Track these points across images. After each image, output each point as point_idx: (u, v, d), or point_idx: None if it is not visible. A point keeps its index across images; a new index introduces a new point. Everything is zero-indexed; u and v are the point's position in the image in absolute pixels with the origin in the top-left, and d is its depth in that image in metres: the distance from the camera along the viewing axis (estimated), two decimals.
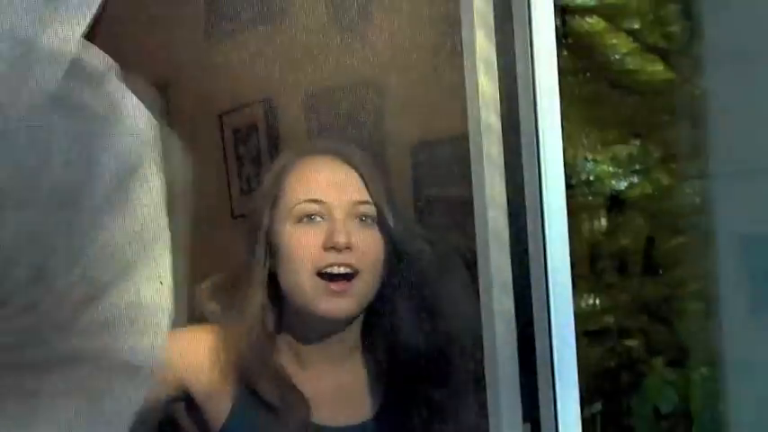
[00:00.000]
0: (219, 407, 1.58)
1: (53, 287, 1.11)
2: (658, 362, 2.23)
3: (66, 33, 1.14)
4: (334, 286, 1.56)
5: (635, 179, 2.64)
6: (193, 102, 2.48)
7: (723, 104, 2.29)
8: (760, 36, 2.21)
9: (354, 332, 1.63)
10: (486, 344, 1.48)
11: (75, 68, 1.12)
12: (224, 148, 2.47)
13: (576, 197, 2.51)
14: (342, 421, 1.60)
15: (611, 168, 2.64)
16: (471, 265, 1.60)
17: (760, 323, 2.13)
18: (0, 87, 1.08)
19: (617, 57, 2.70)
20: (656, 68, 2.64)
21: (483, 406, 1.50)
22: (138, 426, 1.24)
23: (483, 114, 1.49)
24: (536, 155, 1.46)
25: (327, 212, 1.58)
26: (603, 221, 2.66)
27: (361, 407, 1.62)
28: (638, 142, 2.65)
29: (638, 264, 2.48)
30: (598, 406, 2.03)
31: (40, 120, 1.10)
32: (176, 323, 1.68)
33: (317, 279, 1.56)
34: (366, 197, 1.61)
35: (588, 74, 2.67)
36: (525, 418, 1.46)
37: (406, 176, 2.15)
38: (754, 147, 2.22)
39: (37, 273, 1.12)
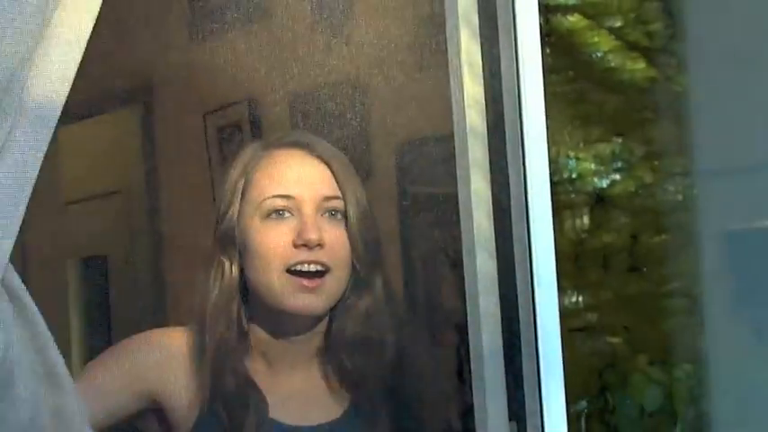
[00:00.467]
0: (187, 413, 1.54)
1: None
2: (642, 359, 2.24)
3: None
4: (306, 282, 1.53)
5: (618, 177, 2.66)
6: (178, 102, 2.48)
7: (705, 102, 2.31)
8: (742, 34, 2.22)
9: (321, 330, 1.60)
10: (471, 342, 1.49)
11: None
12: (208, 148, 2.47)
13: (559, 195, 2.52)
14: (310, 420, 1.58)
15: (593, 166, 2.66)
16: (456, 263, 1.60)
17: (743, 320, 2.15)
18: None
19: (599, 55, 2.71)
20: (638, 66, 2.65)
21: (466, 404, 1.51)
22: None
23: (468, 115, 1.50)
24: (521, 155, 1.47)
25: (296, 208, 1.54)
26: (586, 219, 2.67)
27: (329, 407, 1.60)
28: (620, 140, 2.67)
29: (621, 261, 2.50)
30: (583, 404, 2.05)
31: None
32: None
33: (287, 276, 1.52)
34: (336, 192, 1.57)
35: (570, 72, 2.68)
36: (511, 417, 1.46)
37: (390, 176, 2.15)
38: (735, 144, 2.24)
39: None
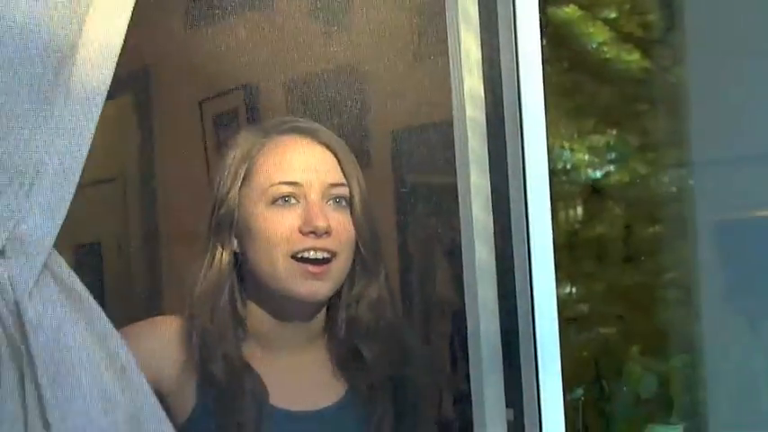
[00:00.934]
0: (185, 400, 1.53)
1: None
2: (635, 350, 2.26)
3: None
4: (311, 269, 1.53)
5: (612, 168, 2.67)
6: (174, 88, 2.47)
7: (700, 94, 2.31)
8: (737, 25, 2.23)
9: (320, 316, 1.61)
10: (469, 331, 1.50)
11: None
12: (204, 135, 2.47)
13: (554, 186, 2.53)
14: (308, 405, 1.58)
15: (588, 157, 2.67)
16: (454, 252, 1.61)
17: (736, 310, 2.16)
18: None
19: (594, 46, 2.72)
20: (633, 57, 2.66)
21: (465, 391, 1.52)
22: None
23: (467, 106, 1.50)
24: (520, 146, 1.47)
25: (302, 194, 1.54)
26: (580, 210, 2.68)
27: (327, 391, 1.60)
28: (614, 131, 2.68)
29: (615, 252, 2.51)
30: (579, 392, 2.06)
31: None
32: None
33: (293, 262, 1.51)
34: (341, 179, 1.57)
35: (565, 63, 2.69)
36: (508, 404, 1.47)
37: (387, 164, 2.15)
38: (730, 135, 2.25)
39: None
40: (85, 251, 2.68)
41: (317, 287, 1.53)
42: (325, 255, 1.53)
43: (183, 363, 1.54)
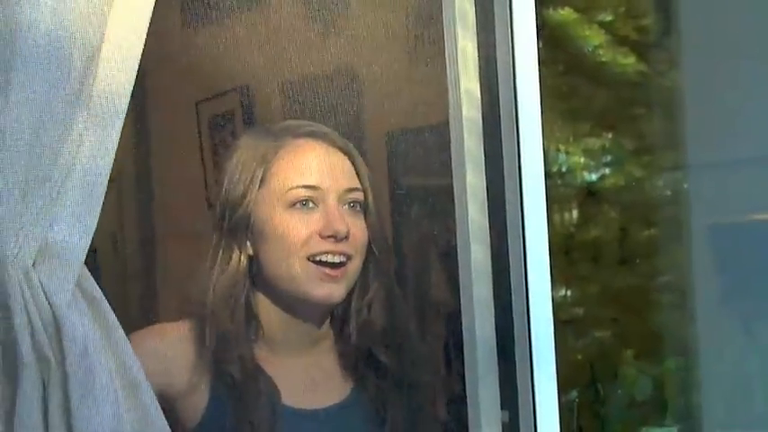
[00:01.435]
0: (195, 403, 1.54)
1: None
2: (629, 353, 2.26)
3: None
4: (329, 271, 1.54)
5: (607, 171, 2.67)
6: (170, 89, 2.47)
7: (695, 97, 2.32)
8: (732, 29, 2.24)
9: (325, 316, 1.62)
10: (465, 332, 1.50)
11: None
12: (200, 137, 2.47)
13: (549, 188, 2.53)
14: (317, 403, 1.59)
15: (583, 160, 2.67)
16: (450, 254, 1.62)
17: (731, 312, 2.16)
18: None
19: (589, 49, 2.72)
20: (628, 61, 2.67)
21: (461, 393, 1.52)
22: None
23: (463, 107, 1.50)
24: (516, 148, 1.47)
25: (321, 198, 1.56)
26: (575, 213, 2.68)
27: (334, 389, 1.62)
28: (610, 134, 2.68)
29: (610, 255, 2.51)
30: (574, 394, 2.06)
31: None
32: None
33: (311, 265, 1.54)
34: (357, 184, 1.60)
35: (561, 66, 2.69)
36: (503, 406, 1.48)
37: (383, 165, 2.16)
38: (725, 138, 2.26)
39: None
40: None
41: (333, 290, 1.55)
42: (342, 258, 1.55)
43: (194, 365, 1.55)
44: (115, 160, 1.25)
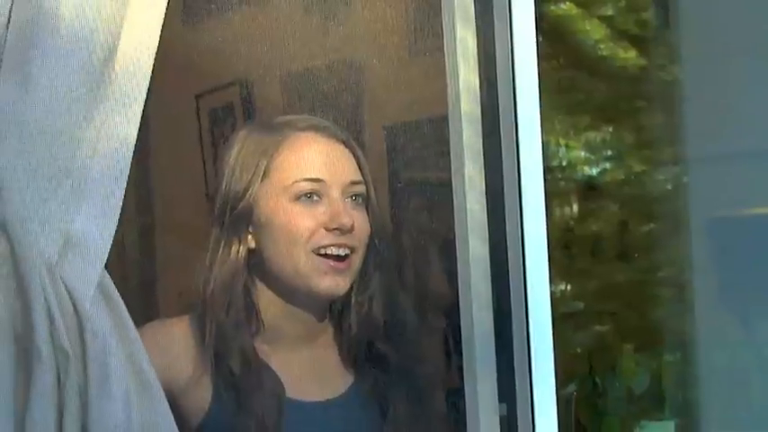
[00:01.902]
0: (200, 397, 1.55)
1: None
2: (629, 347, 2.26)
3: None
4: (333, 264, 1.55)
5: (607, 165, 2.67)
6: (170, 83, 2.46)
7: (695, 91, 2.32)
8: (733, 23, 2.24)
9: (325, 308, 1.63)
10: (463, 325, 1.50)
11: None
12: (200, 130, 2.47)
13: (549, 182, 2.53)
14: (318, 396, 1.60)
15: (583, 154, 2.67)
16: (449, 247, 1.62)
17: (730, 307, 2.16)
18: None
19: (590, 43, 2.72)
20: (629, 55, 2.66)
21: (460, 385, 1.52)
22: None
23: (462, 100, 1.50)
24: (515, 141, 1.48)
25: (325, 191, 1.57)
26: (575, 207, 2.68)
27: (335, 382, 1.62)
28: (610, 128, 2.68)
29: (609, 249, 2.51)
30: (572, 387, 2.06)
31: None
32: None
33: (316, 257, 1.55)
34: (359, 176, 1.61)
35: (561, 59, 2.69)
36: (501, 399, 1.48)
37: (382, 158, 2.16)
38: (725, 132, 2.25)
39: None
40: None
41: (338, 282, 1.56)
42: (347, 251, 1.56)
43: (196, 360, 1.55)
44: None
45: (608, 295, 2.42)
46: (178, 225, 2.15)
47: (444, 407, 1.72)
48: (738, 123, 2.22)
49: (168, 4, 2.36)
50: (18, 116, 1.14)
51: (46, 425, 1.16)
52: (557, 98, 2.58)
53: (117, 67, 1.20)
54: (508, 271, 1.50)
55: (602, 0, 2.77)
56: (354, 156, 1.62)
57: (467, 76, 1.52)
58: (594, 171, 2.67)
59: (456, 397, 1.57)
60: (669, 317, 2.32)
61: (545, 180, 1.49)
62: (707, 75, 2.30)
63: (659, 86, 2.54)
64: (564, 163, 2.67)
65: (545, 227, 1.48)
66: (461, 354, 1.50)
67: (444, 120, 1.55)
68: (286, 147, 1.59)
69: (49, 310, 1.15)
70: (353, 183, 1.60)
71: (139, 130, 2.63)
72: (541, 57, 1.48)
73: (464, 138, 1.51)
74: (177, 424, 1.33)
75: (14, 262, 1.15)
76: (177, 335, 1.58)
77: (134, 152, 2.68)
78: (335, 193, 1.57)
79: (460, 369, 1.51)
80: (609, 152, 2.66)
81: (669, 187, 2.52)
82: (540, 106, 1.49)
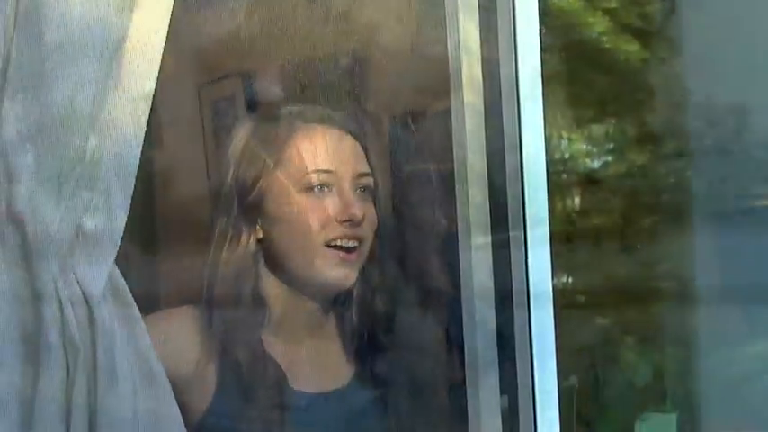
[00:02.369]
0: (203, 392, 1.55)
1: None
2: (630, 340, 2.26)
3: None
4: (343, 255, 1.56)
5: (610, 158, 2.67)
6: (172, 74, 2.46)
7: (698, 83, 2.32)
8: (736, 16, 2.23)
9: (330, 300, 1.64)
10: (465, 317, 1.50)
11: None
12: (203, 122, 2.47)
13: (551, 175, 2.53)
14: (323, 387, 1.61)
15: (586, 147, 2.67)
16: (451, 240, 1.62)
17: (732, 300, 2.16)
18: None
19: (593, 36, 2.72)
20: (632, 48, 2.66)
21: (461, 378, 1.52)
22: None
23: (466, 93, 1.50)
24: (518, 134, 1.48)
25: (335, 183, 1.58)
26: (578, 200, 2.68)
27: (339, 373, 1.63)
28: (613, 121, 2.68)
29: (611, 242, 2.51)
30: (574, 379, 2.06)
31: None
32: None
33: (326, 249, 1.55)
34: (367, 168, 1.62)
35: (564, 52, 2.69)
36: (503, 391, 1.48)
37: (385, 150, 2.16)
38: (729, 126, 2.26)
39: None
40: None
41: (348, 273, 1.57)
42: (356, 243, 1.56)
43: (202, 351, 1.56)
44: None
45: (610, 288, 2.42)
46: (179, 217, 2.15)
47: (446, 399, 1.72)
48: (742, 116, 2.22)
49: None
50: (30, 107, 1.14)
51: (54, 418, 1.16)
52: (560, 91, 2.58)
53: (126, 60, 1.20)
54: (510, 264, 1.50)
55: None
56: (363, 147, 1.62)
57: (470, 68, 1.52)
58: (597, 164, 2.67)
59: (458, 389, 1.57)
60: (671, 310, 2.32)
61: (547, 173, 1.49)
62: (711, 67, 2.30)
63: (662, 79, 2.54)
64: (566, 156, 2.67)
65: (548, 221, 1.49)
66: (463, 346, 1.50)
67: (447, 111, 1.55)
68: (296, 138, 1.59)
69: (60, 303, 1.15)
70: (362, 174, 1.61)
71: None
72: (545, 49, 1.48)
73: (467, 129, 1.51)
74: (181, 414, 1.34)
75: (26, 254, 1.15)
76: (183, 325, 1.58)
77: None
78: (346, 184, 1.57)
79: (462, 361, 1.51)
80: (611, 145, 2.66)
81: (672, 181, 2.52)
82: (543, 99, 1.50)
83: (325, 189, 1.57)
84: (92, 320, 1.17)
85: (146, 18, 1.23)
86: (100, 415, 1.17)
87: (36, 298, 1.16)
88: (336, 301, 1.63)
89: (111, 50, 1.18)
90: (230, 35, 2.18)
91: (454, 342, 1.72)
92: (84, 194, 1.17)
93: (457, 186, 1.52)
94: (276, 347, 1.59)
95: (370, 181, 1.61)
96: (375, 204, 1.62)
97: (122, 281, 1.23)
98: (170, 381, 1.38)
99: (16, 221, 1.14)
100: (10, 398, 1.15)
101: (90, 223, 1.18)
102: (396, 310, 1.66)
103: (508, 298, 1.50)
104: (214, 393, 1.55)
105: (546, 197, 1.48)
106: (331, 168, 1.58)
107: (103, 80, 1.17)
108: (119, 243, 1.21)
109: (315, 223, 1.55)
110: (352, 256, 1.56)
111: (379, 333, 1.63)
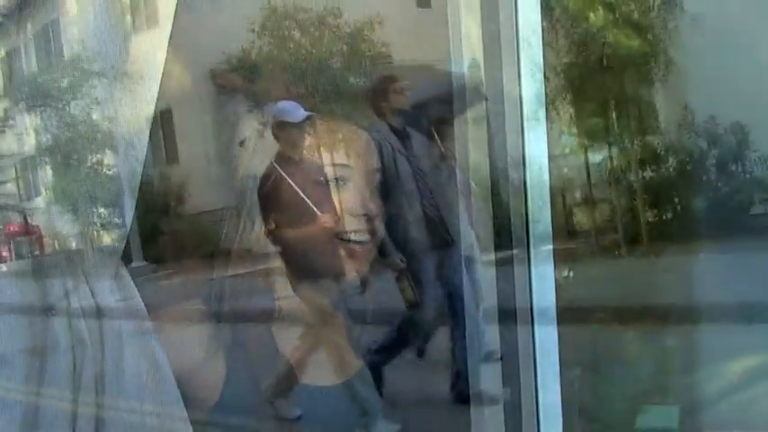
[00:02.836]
0: (212, 384, 1.56)
1: None
2: (633, 332, 2.26)
3: None
4: (357, 249, 1.58)
5: (611, 152, 2.67)
6: (180, 66, 2.47)
7: (700, 77, 2.32)
8: (737, 8, 2.23)
9: (339, 294, 1.65)
10: (467, 310, 1.52)
11: None
12: (210, 113, 2.48)
13: (552, 169, 2.53)
14: (326, 380, 1.62)
15: (587, 141, 2.67)
16: (453, 233, 1.64)
17: (733, 298, 2.16)
18: None
19: (594, 29, 2.72)
20: (632, 42, 2.66)
21: (464, 371, 1.54)
22: None
23: (467, 91, 1.51)
24: (521, 131, 1.48)
25: (352, 178, 1.60)
26: (578, 194, 2.69)
27: (343, 368, 1.64)
28: (614, 115, 2.68)
29: (613, 236, 2.52)
30: (576, 371, 2.07)
31: None
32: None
33: (339, 242, 1.58)
34: (378, 164, 1.64)
35: (566, 46, 2.69)
36: (505, 383, 1.49)
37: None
38: (730, 119, 2.26)
39: None
40: None
41: (358, 267, 1.60)
42: (368, 236, 1.58)
43: (212, 345, 1.57)
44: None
45: (612, 281, 2.43)
46: (188, 211, 2.16)
47: (448, 392, 1.74)
48: (743, 110, 2.23)
49: None
50: (47, 123, 1.16)
51: (60, 411, 1.18)
52: (560, 84, 2.59)
53: (131, 57, 1.22)
54: (513, 256, 1.51)
55: None
56: (377, 143, 1.64)
57: (472, 66, 1.53)
58: (599, 158, 2.68)
59: (460, 381, 1.58)
60: (673, 303, 2.32)
61: (549, 167, 1.49)
62: (712, 61, 2.29)
63: (664, 73, 2.54)
64: (567, 150, 2.67)
65: (550, 215, 1.49)
66: (466, 340, 1.52)
67: (450, 104, 1.56)
68: (313, 133, 1.62)
69: (68, 299, 1.17)
70: (375, 170, 1.62)
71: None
72: (546, 43, 1.48)
73: (469, 124, 1.52)
74: (189, 407, 1.35)
75: (41, 265, 1.17)
76: (191, 320, 1.60)
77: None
78: (361, 180, 1.59)
79: (465, 358, 1.53)
80: (613, 139, 2.67)
81: (673, 174, 2.52)
82: (545, 94, 1.50)
83: (341, 183, 1.59)
84: (99, 317, 1.18)
85: (148, 40, 1.24)
86: (105, 408, 1.18)
87: (45, 295, 1.18)
88: (345, 295, 1.65)
89: (119, 43, 1.20)
90: (235, 27, 2.18)
91: (457, 334, 1.73)
92: (94, 193, 1.19)
93: (458, 179, 1.54)
94: (286, 341, 1.61)
95: (380, 177, 1.63)
96: (384, 199, 1.64)
97: (130, 278, 1.25)
98: (179, 374, 1.42)
99: (32, 233, 1.16)
100: (17, 392, 1.16)
101: (99, 222, 1.20)
102: (402, 305, 1.68)
103: (510, 290, 1.50)
104: (223, 386, 1.57)
105: (548, 191, 1.48)
106: (348, 163, 1.60)
107: (117, 98, 1.19)
108: (125, 241, 1.23)
109: (329, 217, 1.57)
110: (365, 249, 1.58)
111: (387, 327, 1.65)
